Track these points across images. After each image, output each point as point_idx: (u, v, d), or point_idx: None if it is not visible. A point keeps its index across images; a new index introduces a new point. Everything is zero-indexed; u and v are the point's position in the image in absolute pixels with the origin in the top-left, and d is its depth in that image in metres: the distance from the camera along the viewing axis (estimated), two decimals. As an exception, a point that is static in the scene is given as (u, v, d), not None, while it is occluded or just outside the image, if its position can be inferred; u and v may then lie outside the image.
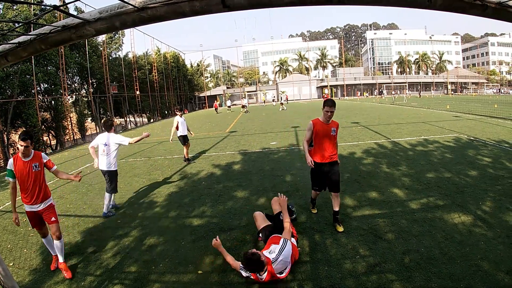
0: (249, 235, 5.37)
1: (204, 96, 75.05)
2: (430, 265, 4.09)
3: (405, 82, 73.57)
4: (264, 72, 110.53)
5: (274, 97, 64.99)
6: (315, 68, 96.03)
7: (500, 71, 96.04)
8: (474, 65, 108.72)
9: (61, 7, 1.97)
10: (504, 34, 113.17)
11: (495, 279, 3.73)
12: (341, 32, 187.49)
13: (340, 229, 5.19)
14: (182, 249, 5.08)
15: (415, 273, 3.94)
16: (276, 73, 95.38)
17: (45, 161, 4.75)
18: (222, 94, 76.45)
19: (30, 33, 2.29)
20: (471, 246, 4.46)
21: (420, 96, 62.82)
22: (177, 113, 11.65)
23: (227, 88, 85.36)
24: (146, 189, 8.74)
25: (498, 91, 73.15)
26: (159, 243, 5.37)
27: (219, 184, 8.52)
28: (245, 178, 8.96)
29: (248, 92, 78.24)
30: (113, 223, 6.51)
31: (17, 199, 4.64)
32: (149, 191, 8.51)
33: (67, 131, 27.05)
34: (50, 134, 27.58)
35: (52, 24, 2.24)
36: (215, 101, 51.36)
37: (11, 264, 5.08)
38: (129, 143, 6.90)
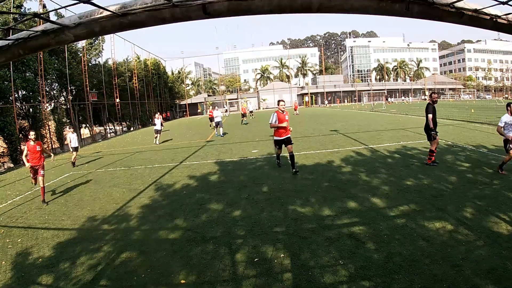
0: (234, 245, 5.35)
1: (185, 104, 74.70)
2: (412, 267, 4.14)
3: (383, 89, 74.91)
4: (245, 80, 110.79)
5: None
6: (296, 75, 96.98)
7: (476, 77, 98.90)
8: (451, 71, 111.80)
9: (42, 15, 1.95)
10: (480, 40, 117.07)
11: (477, 278, 3.82)
12: (321, 40, 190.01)
13: None
14: (163, 259, 5.01)
15: (398, 276, 3.99)
16: (257, 80, 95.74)
17: None
18: (203, 102, 76.21)
19: (8, 38, 2.25)
20: (453, 248, 4.55)
21: (388, 103, 63.73)
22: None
23: (208, 95, 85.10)
24: (126, 199, 8.60)
25: (477, 96, 75.57)
26: (140, 253, 5.28)
27: (200, 194, 8.44)
28: (226, 186, 8.93)
29: (229, 100, 78.14)
30: (94, 234, 6.39)
31: None
32: (129, 201, 8.38)
33: (45, 139, 26.48)
34: (28, 143, 26.97)
35: (30, 29, 2.21)
36: (208, 108, 46.61)
37: (-13, 277, 4.92)
38: None
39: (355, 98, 78.66)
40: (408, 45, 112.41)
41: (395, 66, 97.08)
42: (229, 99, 78.29)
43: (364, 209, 6.35)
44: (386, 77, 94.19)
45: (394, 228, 5.33)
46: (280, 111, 9.82)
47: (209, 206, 7.30)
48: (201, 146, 17.77)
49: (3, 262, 5.39)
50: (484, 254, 4.33)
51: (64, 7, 2.42)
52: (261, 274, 4.33)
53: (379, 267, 4.22)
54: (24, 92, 24.96)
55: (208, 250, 5.15)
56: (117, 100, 40.33)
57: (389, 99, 71.16)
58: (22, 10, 24.97)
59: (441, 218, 5.57)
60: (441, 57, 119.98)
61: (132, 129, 44.22)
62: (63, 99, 32.76)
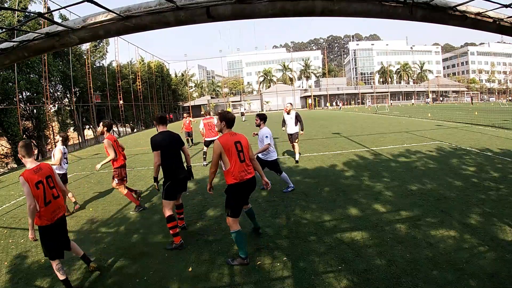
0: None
1: (189, 106, 74.86)
2: (416, 271, 4.12)
3: (387, 92, 74.85)
4: (248, 82, 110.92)
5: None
6: (299, 78, 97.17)
7: (479, 80, 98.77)
8: (454, 74, 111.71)
9: (46, 15, 1.96)
10: (483, 43, 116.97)
11: (481, 282, 3.81)
12: (324, 43, 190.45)
13: None
14: (164, 263, 5.00)
15: (402, 280, 3.97)
16: (260, 83, 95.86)
17: None
18: (206, 104, 76.36)
19: (13, 40, 2.26)
20: (456, 252, 4.53)
21: (391, 105, 64.41)
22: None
23: (212, 98, 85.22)
24: (129, 200, 8.56)
25: (480, 99, 75.65)
26: (143, 255, 5.28)
27: (201, 196, 8.43)
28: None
29: (232, 102, 78.26)
30: (95, 236, 6.39)
31: None
32: (132, 202, 8.34)
33: (49, 140, 26.56)
34: (32, 144, 27.07)
35: (35, 31, 2.21)
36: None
37: (-11, 278, 4.93)
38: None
39: (358, 101, 78.61)
40: (411, 48, 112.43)
41: (398, 69, 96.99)
42: (232, 101, 78.38)
43: (367, 213, 6.32)
44: (389, 79, 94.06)
45: (397, 233, 5.29)
46: None
47: (210, 209, 7.29)
48: (201, 148, 17.72)
49: (5, 263, 5.40)
50: (488, 258, 4.31)
51: (68, 6, 2.43)
52: (262, 280, 4.32)
53: (381, 272, 4.20)
54: (28, 93, 25.06)
55: (209, 254, 5.14)
56: (121, 102, 40.45)
57: (391, 101, 71.46)
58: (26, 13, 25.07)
59: (445, 223, 5.54)
60: (444, 59, 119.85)
61: (135, 130, 44.32)
62: (67, 100, 32.86)
